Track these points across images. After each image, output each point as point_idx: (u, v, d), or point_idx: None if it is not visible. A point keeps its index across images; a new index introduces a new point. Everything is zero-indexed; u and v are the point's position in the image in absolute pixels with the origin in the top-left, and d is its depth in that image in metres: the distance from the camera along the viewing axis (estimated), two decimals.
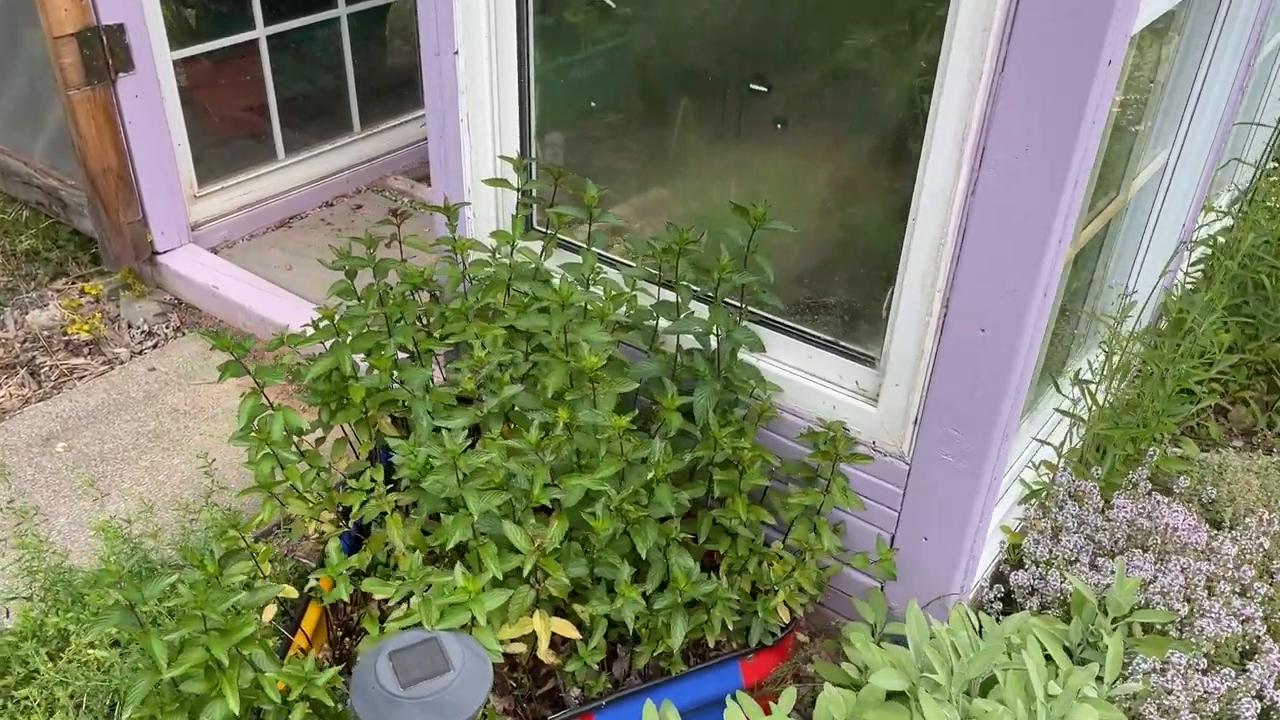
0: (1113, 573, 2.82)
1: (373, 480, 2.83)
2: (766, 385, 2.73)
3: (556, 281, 3.11)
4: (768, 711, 2.27)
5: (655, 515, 2.49)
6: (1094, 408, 3.37)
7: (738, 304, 2.78)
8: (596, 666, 2.50)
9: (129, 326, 4.34)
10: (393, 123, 5.38)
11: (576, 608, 2.52)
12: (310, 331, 2.94)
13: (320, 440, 3.06)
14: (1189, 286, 4.02)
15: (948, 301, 2.41)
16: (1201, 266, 4.05)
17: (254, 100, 4.77)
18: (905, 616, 2.85)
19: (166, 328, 4.35)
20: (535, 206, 3.18)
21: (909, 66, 2.42)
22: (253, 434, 2.68)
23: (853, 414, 2.72)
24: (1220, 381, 3.91)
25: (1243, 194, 4.25)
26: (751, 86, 2.63)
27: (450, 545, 2.28)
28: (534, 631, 2.41)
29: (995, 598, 2.92)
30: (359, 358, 2.90)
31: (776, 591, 2.57)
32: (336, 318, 2.81)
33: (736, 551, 2.65)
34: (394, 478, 2.67)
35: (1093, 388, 3.39)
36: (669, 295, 2.86)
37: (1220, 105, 3.50)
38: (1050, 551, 2.91)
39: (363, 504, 2.72)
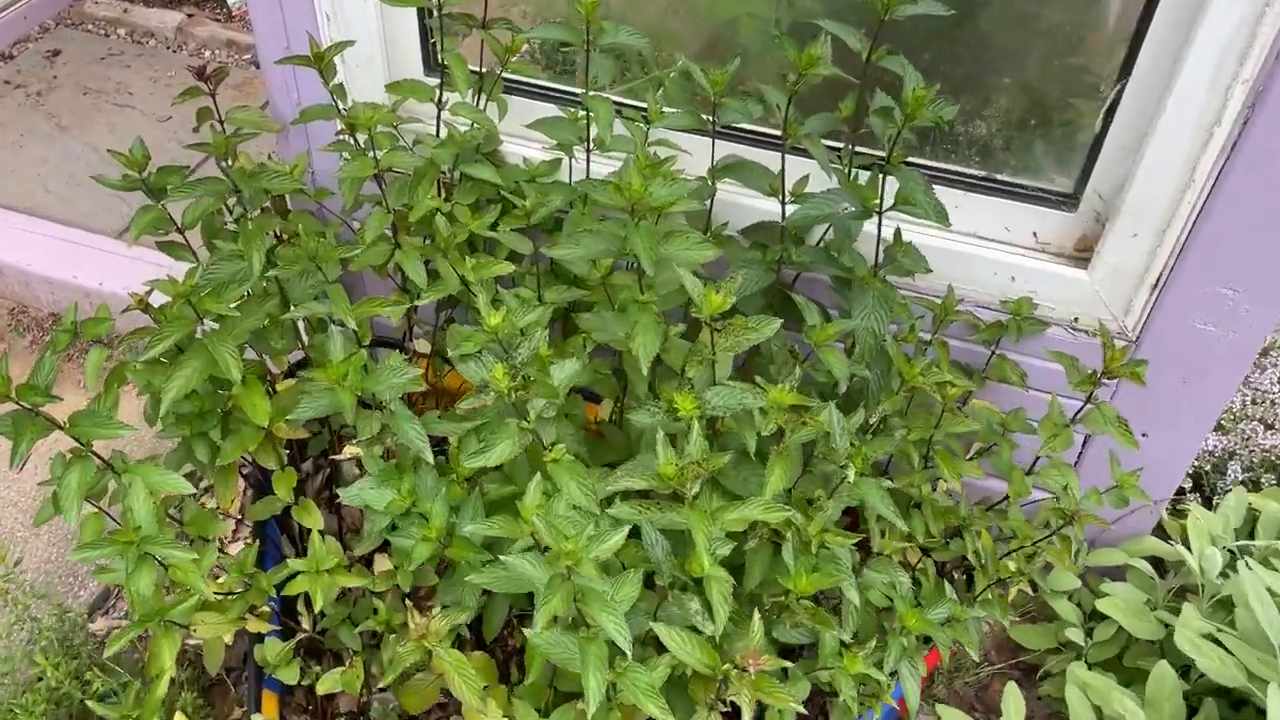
0: None
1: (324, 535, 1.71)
2: (922, 265, 1.76)
3: (509, 155, 1.95)
4: None
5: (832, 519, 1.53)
6: None
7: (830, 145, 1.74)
8: None
9: None
10: None
11: None
12: (143, 317, 1.69)
13: (192, 476, 1.85)
14: None
15: (1259, 94, 1.49)
16: None
17: None
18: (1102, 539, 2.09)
19: None
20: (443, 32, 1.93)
21: None
22: (105, 536, 1.47)
23: (1044, 284, 1.80)
24: None
25: None
26: None
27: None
28: None
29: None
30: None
31: (1015, 580, 1.70)
32: (196, 293, 1.57)
33: (930, 532, 1.74)
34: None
35: None
36: (729, 148, 1.80)
37: None
38: (1242, 403, 2.19)
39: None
